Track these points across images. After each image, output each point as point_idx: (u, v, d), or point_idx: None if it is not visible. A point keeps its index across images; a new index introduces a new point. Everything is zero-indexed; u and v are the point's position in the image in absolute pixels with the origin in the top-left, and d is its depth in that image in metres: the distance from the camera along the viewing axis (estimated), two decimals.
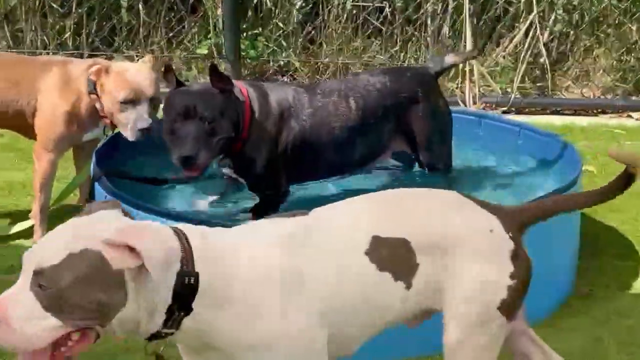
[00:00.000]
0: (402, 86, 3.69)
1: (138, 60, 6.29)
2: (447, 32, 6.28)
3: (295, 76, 6.30)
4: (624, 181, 2.38)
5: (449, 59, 3.91)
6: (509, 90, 6.04)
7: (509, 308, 2.23)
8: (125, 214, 2.13)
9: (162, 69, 3.53)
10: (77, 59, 4.39)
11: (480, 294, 2.19)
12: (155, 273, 1.94)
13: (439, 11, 6.30)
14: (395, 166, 3.98)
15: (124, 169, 3.79)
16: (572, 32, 6.33)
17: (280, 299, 2.07)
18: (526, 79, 6.19)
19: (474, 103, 5.89)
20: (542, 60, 6.08)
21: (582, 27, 6.32)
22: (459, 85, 5.98)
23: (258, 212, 3.46)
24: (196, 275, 2.02)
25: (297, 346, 2.08)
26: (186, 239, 2.05)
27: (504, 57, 6.24)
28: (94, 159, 3.71)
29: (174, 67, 6.26)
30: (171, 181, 3.76)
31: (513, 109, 6.00)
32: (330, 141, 3.55)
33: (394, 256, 2.17)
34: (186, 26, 6.43)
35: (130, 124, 3.75)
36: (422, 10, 6.28)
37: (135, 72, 3.82)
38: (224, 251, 2.08)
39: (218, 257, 2.06)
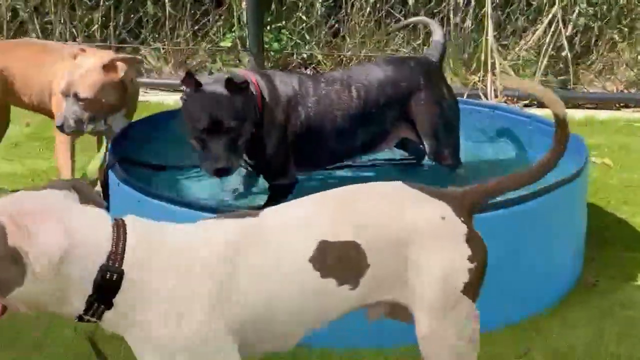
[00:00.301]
0: (405, 75, 3.74)
1: (164, 53, 6.44)
2: (470, 25, 6.30)
3: (318, 69, 6.35)
4: (560, 138, 2.40)
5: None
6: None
7: (473, 290, 2.26)
8: (90, 200, 2.14)
9: (184, 73, 3.50)
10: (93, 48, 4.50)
11: (443, 281, 2.21)
12: (41, 266, 1.95)
13: (461, 4, 6.32)
14: (404, 158, 4.04)
15: (139, 157, 3.87)
16: (595, 26, 6.32)
17: (202, 310, 2.06)
18: (549, 72, 6.20)
19: (496, 96, 5.92)
20: (564, 53, 6.08)
21: (606, 21, 6.31)
22: (481, 79, 6.00)
23: (268, 203, 3.53)
24: (120, 272, 2.03)
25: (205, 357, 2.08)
26: (125, 233, 2.06)
27: (526, 51, 6.25)
28: (109, 146, 3.80)
29: (199, 60, 6.40)
30: (178, 167, 3.86)
31: (534, 102, 6.01)
32: (333, 129, 3.62)
33: (341, 260, 2.17)
34: (211, 19, 6.51)
35: (59, 115, 3.88)
36: (444, 3, 6.31)
37: (77, 67, 3.89)
38: (159, 252, 2.07)
39: (150, 258, 2.06)
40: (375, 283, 2.21)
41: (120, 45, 6.50)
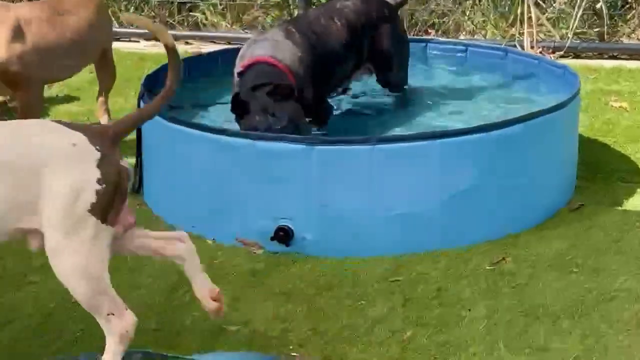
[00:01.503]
0: (373, 7, 4.21)
1: (222, 9, 6.84)
2: None
3: None
4: (171, 66, 2.61)
5: None
6: (570, 36, 6.28)
7: (101, 210, 2.47)
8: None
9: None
10: None
11: (69, 200, 2.44)
12: None
13: None
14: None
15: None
16: None
17: None
18: (586, 25, 6.42)
19: (532, 47, 6.18)
20: (598, 6, 6.29)
21: None
22: (519, 32, 6.26)
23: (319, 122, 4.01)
24: None
25: None
26: None
27: (565, 4, 6.46)
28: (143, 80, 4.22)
29: (255, 15, 6.78)
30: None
31: (571, 53, 6.25)
32: (335, 57, 4.03)
33: None
34: None
35: None
36: None
37: None
38: None
39: None
40: (6, 211, 2.45)
41: (181, 1, 6.95)
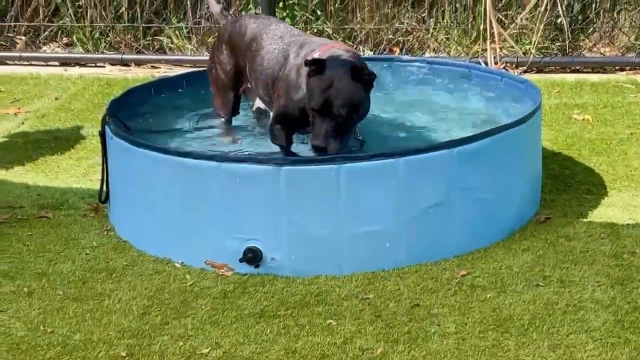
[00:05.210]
0: None
1: (187, 32, 6.86)
2: None
3: None
4: None
5: None
6: (533, 51, 6.35)
7: None
8: None
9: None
10: None
11: None
12: None
13: None
14: None
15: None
16: None
17: None
18: (548, 40, 6.49)
19: (495, 63, 6.24)
20: (559, 20, 6.37)
21: None
22: (483, 48, 6.32)
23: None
24: None
25: None
26: None
27: (527, 19, 6.53)
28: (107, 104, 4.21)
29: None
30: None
31: (534, 68, 6.32)
32: None
33: None
34: None
35: None
36: None
37: None
38: None
39: None
40: None
41: (146, 25, 6.95)
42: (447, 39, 6.68)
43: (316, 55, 3.73)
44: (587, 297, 3.31)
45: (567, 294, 3.33)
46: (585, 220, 3.95)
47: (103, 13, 7.02)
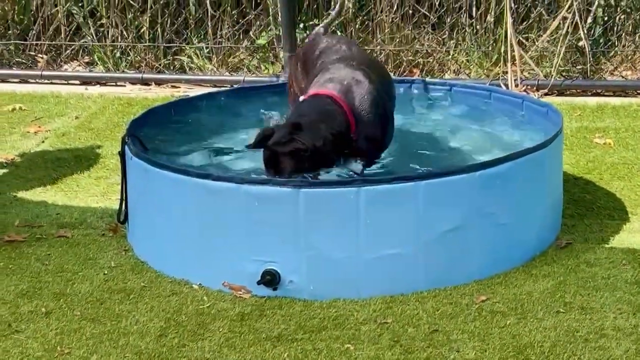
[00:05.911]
0: None
1: (207, 51, 6.88)
2: (491, 19, 6.60)
3: None
4: None
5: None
6: (554, 74, 6.32)
7: None
8: None
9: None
10: None
11: None
12: None
13: None
14: None
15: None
16: (617, 17, 6.56)
17: None
18: (569, 63, 6.47)
19: (516, 86, 6.22)
20: (580, 44, 6.34)
21: (625, 10, 6.54)
22: (503, 70, 6.31)
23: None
24: None
25: None
26: None
27: (549, 42, 6.51)
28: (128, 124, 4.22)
29: (241, 58, 6.82)
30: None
31: (555, 91, 6.29)
32: None
33: None
34: (251, 19, 6.94)
35: None
36: None
37: None
38: None
39: None
40: None
41: (167, 45, 6.97)
42: (468, 61, 6.66)
43: (301, 98, 3.90)
44: (609, 324, 3.27)
45: (588, 321, 3.29)
46: (606, 246, 3.91)
47: (124, 32, 7.05)
